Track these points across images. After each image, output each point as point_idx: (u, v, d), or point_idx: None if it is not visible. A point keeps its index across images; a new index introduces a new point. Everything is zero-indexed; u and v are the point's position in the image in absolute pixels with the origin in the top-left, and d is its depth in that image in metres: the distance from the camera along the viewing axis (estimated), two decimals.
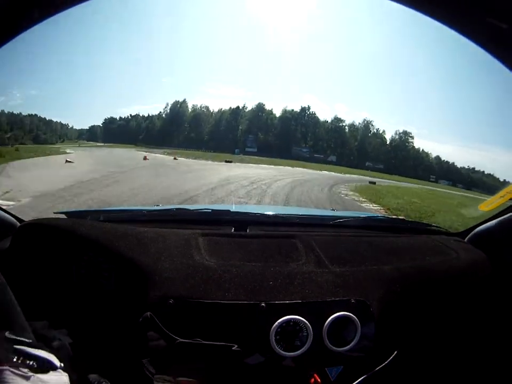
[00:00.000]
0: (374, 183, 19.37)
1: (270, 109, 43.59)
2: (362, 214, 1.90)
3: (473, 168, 48.00)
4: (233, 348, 0.75)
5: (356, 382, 0.81)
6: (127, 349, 0.83)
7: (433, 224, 1.42)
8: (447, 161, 47.64)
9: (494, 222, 1.16)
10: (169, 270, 0.82)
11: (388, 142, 46.03)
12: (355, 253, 1.01)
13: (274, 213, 1.39)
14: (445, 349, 0.97)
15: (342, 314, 0.80)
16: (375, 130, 46.74)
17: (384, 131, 47.09)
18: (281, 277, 0.85)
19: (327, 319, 0.80)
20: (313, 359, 0.79)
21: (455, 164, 48.04)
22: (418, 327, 0.90)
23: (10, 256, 0.91)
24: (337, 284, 0.86)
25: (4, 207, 1.06)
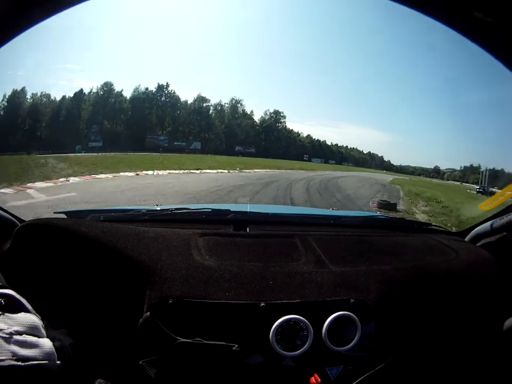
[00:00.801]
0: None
1: (119, 90, 32.63)
2: (362, 214, 1.90)
3: (337, 144, 49.07)
4: (233, 348, 0.75)
5: (356, 381, 0.81)
6: (127, 349, 0.83)
7: (433, 224, 1.42)
8: (318, 140, 46.39)
9: (494, 221, 1.16)
10: (169, 270, 0.82)
11: (258, 123, 39.91)
12: (355, 252, 1.01)
13: (274, 213, 1.39)
14: (445, 348, 0.97)
15: (342, 314, 0.80)
16: (243, 111, 39.34)
17: (252, 111, 40.53)
18: (281, 276, 0.85)
19: (327, 318, 0.80)
20: (314, 358, 0.79)
21: (326, 142, 47.62)
22: (418, 327, 0.90)
23: (10, 256, 0.91)
24: (337, 283, 0.86)
25: (3, 207, 1.06)
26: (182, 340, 0.75)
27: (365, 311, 0.83)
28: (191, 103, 36.65)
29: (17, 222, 1.04)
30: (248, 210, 1.30)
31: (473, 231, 1.27)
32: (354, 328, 0.81)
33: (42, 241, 0.92)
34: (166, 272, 0.82)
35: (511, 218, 1.10)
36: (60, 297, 0.91)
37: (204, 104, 37.04)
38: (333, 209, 2.43)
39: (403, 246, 1.11)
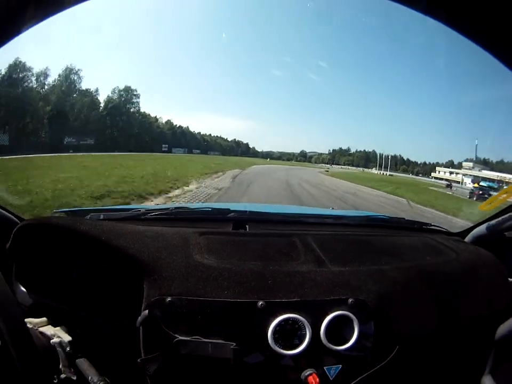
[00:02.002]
0: None
1: None
2: (362, 213, 1.90)
3: (200, 132, 43.01)
4: (231, 346, 0.75)
5: (355, 381, 0.81)
6: (126, 347, 0.83)
7: (433, 224, 1.42)
8: (180, 126, 38.84)
9: (493, 221, 1.16)
10: (169, 269, 0.83)
11: (102, 105, 27.68)
12: (354, 252, 1.01)
13: (273, 212, 1.39)
14: (444, 349, 0.97)
15: (340, 313, 0.80)
16: (82, 87, 26.06)
17: (97, 90, 27.74)
18: (280, 275, 0.85)
19: (326, 317, 0.80)
20: (312, 357, 0.79)
21: (190, 129, 40.14)
22: (417, 326, 0.90)
23: (10, 255, 0.91)
24: (336, 282, 0.86)
25: (3, 206, 1.06)
26: (181, 338, 0.75)
27: (363, 310, 0.83)
28: None
29: (17, 221, 1.04)
30: (247, 209, 1.30)
31: (473, 232, 1.27)
32: (353, 328, 0.81)
33: (42, 240, 0.92)
34: (165, 271, 0.82)
35: (510, 218, 1.10)
36: (60, 295, 0.91)
37: (21, 75, 20.34)
38: (333, 208, 2.43)
39: (403, 246, 1.11)
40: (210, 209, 1.29)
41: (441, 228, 1.41)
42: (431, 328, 0.92)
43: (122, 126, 29.17)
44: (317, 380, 0.76)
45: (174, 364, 0.76)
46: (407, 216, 1.55)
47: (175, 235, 0.94)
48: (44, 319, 0.87)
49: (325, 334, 0.79)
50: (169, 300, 0.78)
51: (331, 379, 0.80)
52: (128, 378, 0.84)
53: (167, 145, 33.54)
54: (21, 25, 0.70)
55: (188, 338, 0.75)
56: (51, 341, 0.80)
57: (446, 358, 1.01)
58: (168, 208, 1.24)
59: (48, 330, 0.83)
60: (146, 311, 0.76)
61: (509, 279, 1.07)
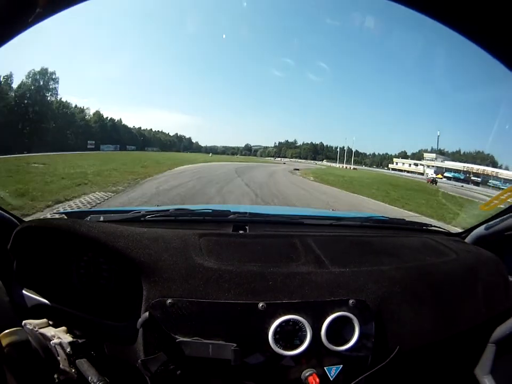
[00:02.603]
0: None
1: None
2: (362, 214, 1.90)
3: (136, 127, 40.13)
4: (232, 347, 0.75)
5: (355, 381, 0.81)
6: (126, 348, 0.83)
7: (433, 225, 1.42)
8: (111, 118, 33.97)
9: (493, 222, 1.16)
10: (169, 271, 0.83)
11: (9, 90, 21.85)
12: (354, 253, 1.01)
13: (274, 213, 1.39)
14: (444, 349, 0.97)
15: (341, 314, 0.80)
16: None
17: (11, 75, 22.03)
18: (281, 277, 0.85)
19: (327, 318, 0.80)
20: (312, 358, 0.79)
21: (123, 123, 36.02)
22: (418, 327, 0.90)
23: (10, 256, 0.91)
24: (337, 283, 0.86)
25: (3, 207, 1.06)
26: (181, 339, 0.75)
27: (364, 311, 0.83)
28: None
29: (17, 222, 1.04)
30: (247, 211, 1.30)
31: (473, 232, 1.27)
32: (353, 328, 0.81)
33: (42, 241, 0.92)
34: (165, 273, 0.82)
35: (510, 219, 1.10)
36: (60, 296, 0.91)
37: None
38: (332, 209, 2.43)
39: (403, 247, 1.11)
40: (210, 210, 1.30)
41: (441, 228, 1.41)
42: (432, 328, 0.92)
43: (34, 119, 22.46)
44: (317, 380, 0.76)
45: (175, 365, 0.76)
46: None
47: (175, 237, 0.94)
48: (44, 320, 0.87)
49: (325, 334, 0.79)
50: (169, 302, 0.78)
51: (331, 379, 0.80)
52: (128, 379, 0.84)
53: (93, 142, 28.40)
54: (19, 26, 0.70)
55: (189, 340, 0.75)
56: (51, 342, 0.80)
57: (447, 358, 1.01)
58: (168, 210, 1.24)
59: (49, 331, 0.83)
60: (147, 312, 0.76)
61: (510, 278, 1.07)
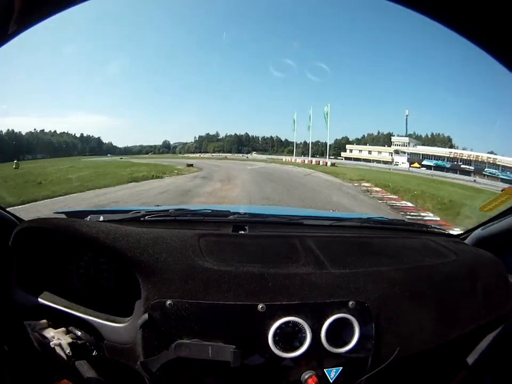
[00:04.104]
0: None
1: None
2: (362, 215, 1.90)
3: (43, 130, 37.28)
4: (231, 349, 0.75)
5: (355, 383, 0.81)
6: (125, 349, 0.83)
7: (433, 226, 1.42)
8: None
9: (493, 223, 1.16)
10: (169, 271, 0.82)
11: None
12: (354, 254, 1.01)
13: (273, 214, 1.39)
14: (444, 351, 0.97)
15: (340, 316, 0.80)
16: None
17: None
18: (280, 278, 0.85)
19: (326, 320, 0.80)
20: (312, 360, 0.79)
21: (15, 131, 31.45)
22: (417, 329, 0.90)
23: (10, 256, 0.91)
24: (336, 285, 0.86)
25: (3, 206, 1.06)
26: (181, 340, 0.75)
27: (364, 313, 0.83)
28: None
29: (17, 222, 1.04)
30: (247, 211, 1.30)
31: (473, 233, 1.26)
32: (353, 330, 0.81)
33: (42, 241, 0.92)
34: (165, 273, 0.82)
35: (510, 220, 1.09)
36: (60, 296, 0.91)
37: None
38: (332, 210, 2.43)
39: (402, 248, 1.11)
40: (210, 211, 1.29)
41: (441, 229, 1.41)
42: (431, 329, 0.92)
43: None
44: (317, 382, 0.76)
45: (174, 366, 0.76)
46: None
47: (174, 237, 0.93)
48: (44, 321, 0.87)
49: (325, 336, 0.79)
50: (169, 303, 0.77)
51: (331, 381, 0.80)
52: (127, 380, 0.84)
53: None
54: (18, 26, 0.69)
55: (188, 341, 0.75)
56: (51, 343, 0.80)
57: (446, 359, 1.00)
58: (168, 210, 1.24)
59: (48, 332, 0.83)
60: (146, 314, 0.76)
61: (510, 280, 1.07)
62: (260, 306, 0.79)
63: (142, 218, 1.16)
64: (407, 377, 0.96)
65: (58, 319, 0.88)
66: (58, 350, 0.79)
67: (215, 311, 0.78)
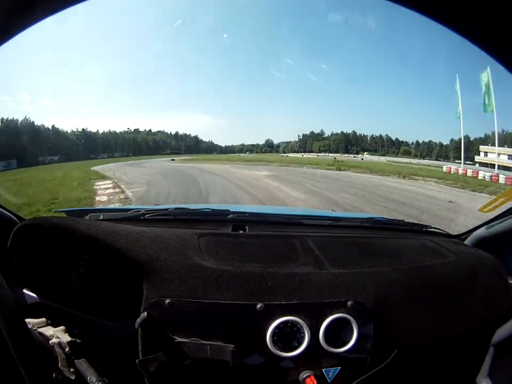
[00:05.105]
0: None
1: None
2: (362, 215, 1.90)
3: (137, 129, 38.22)
4: (230, 348, 0.75)
5: (353, 383, 0.81)
6: (125, 348, 0.83)
7: (432, 226, 1.42)
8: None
9: (493, 224, 1.16)
10: (168, 270, 0.82)
11: None
12: (354, 254, 1.01)
13: (273, 213, 1.39)
14: (443, 350, 0.97)
15: (339, 316, 0.80)
16: None
17: None
18: (280, 277, 0.85)
19: (325, 320, 0.80)
20: (311, 360, 0.79)
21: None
22: (417, 328, 0.90)
23: (10, 255, 0.91)
24: (336, 285, 0.86)
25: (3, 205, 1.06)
26: (180, 339, 0.75)
27: (363, 313, 0.83)
28: None
29: (17, 220, 1.04)
30: (247, 210, 1.30)
31: (472, 234, 1.26)
32: (352, 330, 0.81)
33: (41, 239, 0.92)
34: (164, 272, 0.82)
35: (510, 221, 1.09)
36: (59, 295, 0.91)
37: None
38: (332, 210, 2.43)
39: (402, 248, 1.10)
40: (209, 210, 1.29)
41: (441, 230, 1.41)
42: (431, 330, 0.92)
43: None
44: (315, 381, 0.76)
45: (173, 365, 0.76)
46: None
47: (174, 236, 0.93)
48: (43, 319, 0.87)
49: (323, 336, 0.79)
50: (168, 302, 0.78)
51: (329, 381, 0.80)
52: (126, 379, 0.84)
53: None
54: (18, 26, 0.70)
55: (187, 340, 0.75)
56: (50, 341, 0.80)
57: (446, 359, 1.01)
58: (168, 209, 1.24)
59: (47, 330, 0.83)
60: (145, 312, 0.76)
61: (509, 281, 1.07)
62: (259, 306, 0.79)
63: (141, 217, 1.16)
64: (405, 377, 0.96)
65: (58, 318, 0.88)
66: (57, 348, 0.79)
67: (214, 310, 0.78)
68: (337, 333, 0.80)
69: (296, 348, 0.78)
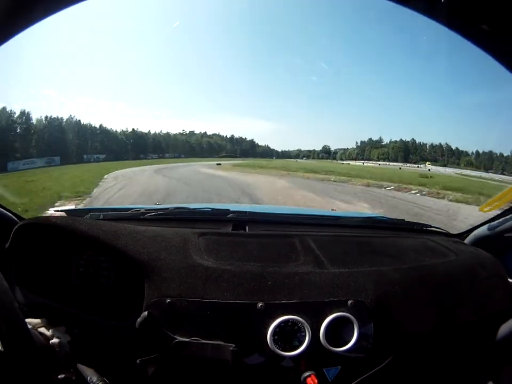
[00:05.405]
0: None
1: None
2: (362, 214, 1.91)
3: (193, 132, 38.46)
4: (231, 348, 0.75)
5: (354, 382, 0.81)
6: (125, 348, 0.83)
7: (432, 225, 1.42)
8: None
9: (493, 223, 1.16)
10: (168, 269, 0.83)
11: None
12: (354, 253, 1.01)
13: (273, 212, 1.39)
14: (443, 350, 0.97)
15: (340, 315, 0.80)
16: None
17: None
18: (280, 277, 0.85)
19: (325, 319, 0.80)
20: (311, 359, 0.79)
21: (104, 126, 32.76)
22: (417, 328, 0.90)
23: (10, 254, 0.91)
24: (336, 284, 0.86)
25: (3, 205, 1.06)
26: (180, 339, 0.75)
27: (363, 312, 0.83)
28: None
29: (17, 220, 1.04)
30: (247, 210, 1.30)
31: (472, 233, 1.27)
32: (352, 329, 0.81)
33: (41, 239, 0.92)
34: (164, 272, 0.82)
35: (510, 220, 1.10)
36: (59, 295, 0.91)
37: None
38: (333, 209, 2.43)
39: (402, 247, 1.11)
40: (210, 209, 1.29)
41: (441, 229, 1.41)
42: (431, 329, 0.92)
43: None
44: (316, 381, 0.76)
45: (173, 365, 0.76)
46: None
47: (174, 235, 0.93)
48: (43, 319, 0.87)
49: (324, 335, 0.79)
50: (168, 301, 0.78)
51: (330, 380, 0.80)
52: (127, 379, 0.84)
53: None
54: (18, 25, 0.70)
55: (187, 340, 0.75)
56: (50, 341, 0.80)
57: (446, 359, 1.01)
58: (168, 208, 1.24)
59: (47, 330, 0.83)
60: (146, 312, 0.76)
61: (509, 280, 1.07)
62: (259, 305, 0.79)
63: (141, 217, 1.16)
64: (406, 376, 0.96)
65: (58, 317, 0.88)
66: (57, 348, 0.79)
67: (214, 309, 0.78)
68: (338, 332, 0.81)
69: (297, 347, 0.78)
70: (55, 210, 1.34)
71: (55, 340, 0.80)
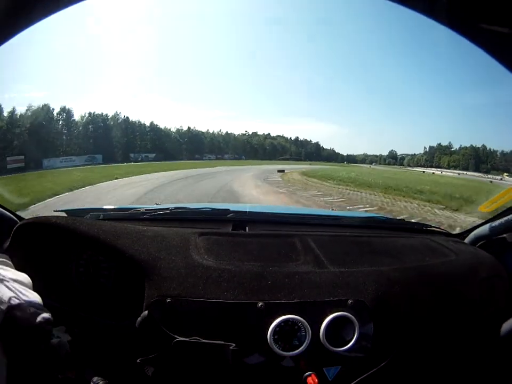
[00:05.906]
0: None
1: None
2: (362, 214, 1.91)
3: (256, 133, 37.70)
4: (231, 347, 0.75)
5: (354, 382, 0.81)
6: (125, 347, 0.83)
7: (432, 225, 1.42)
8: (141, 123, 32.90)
9: (493, 223, 1.16)
10: (168, 269, 0.82)
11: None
12: (354, 253, 1.01)
13: (273, 212, 1.39)
14: (443, 350, 0.97)
15: (340, 315, 0.80)
16: None
17: None
18: (280, 276, 0.85)
19: (325, 319, 0.80)
20: (311, 358, 0.79)
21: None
22: (417, 328, 0.90)
23: (10, 254, 0.91)
24: (336, 284, 0.86)
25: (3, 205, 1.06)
26: (180, 338, 0.75)
27: (363, 311, 0.83)
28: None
29: (17, 220, 1.04)
30: (247, 210, 1.30)
31: (472, 233, 1.27)
32: (352, 329, 0.81)
33: (41, 239, 0.92)
34: (164, 271, 0.82)
35: (510, 220, 1.10)
36: (59, 295, 0.91)
37: None
38: (332, 209, 2.43)
39: (402, 247, 1.11)
40: (210, 209, 1.29)
41: (441, 229, 1.41)
42: (430, 329, 0.92)
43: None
44: (316, 380, 0.76)
45: (173, 365, 0.76)
46: None
47: (174, 235, 0.93)
48: None
49: (324, 335, 0.79)
50: (168, 301, 0.78)
51: (330, 380, 0.80)
52: (127, 378, 0.84)
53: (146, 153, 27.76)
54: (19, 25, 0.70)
55: (187, 339, 0.75)
56: (50, 341, 0.80)
57: (445, 359, 1.01)
58: (168, 208, 1.24)
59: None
60: (146, 311, 0.76)
61: (508, 280, 1.07)
62: (259, 305, 0.79)
63: (141, 217, 1.16)
64: (405, 376, 0.96)
65: (58, 317, 0.88)
66: (57, 347, 0.79)
67: (214, 309, 0.78)
68: (338, 331, 0.81)
69: (297, 346, 0.78)
70: (54, 210, 1.33)
71: (55, 340, 0.80)
